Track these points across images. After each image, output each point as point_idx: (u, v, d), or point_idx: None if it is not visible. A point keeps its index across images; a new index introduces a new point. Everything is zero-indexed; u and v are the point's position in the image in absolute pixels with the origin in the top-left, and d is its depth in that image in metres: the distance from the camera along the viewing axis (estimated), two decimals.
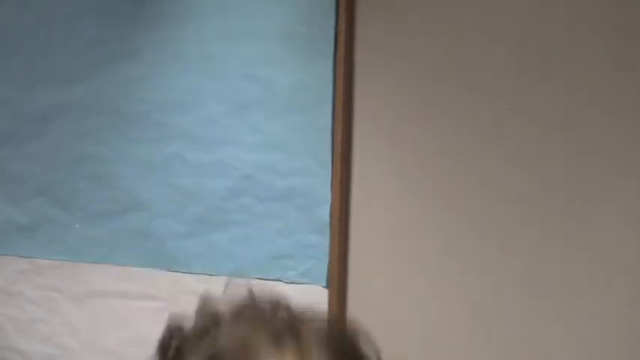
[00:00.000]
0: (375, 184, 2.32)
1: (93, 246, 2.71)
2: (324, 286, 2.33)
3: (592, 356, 2.03)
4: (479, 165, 2.18)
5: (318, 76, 2.39)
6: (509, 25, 2.17)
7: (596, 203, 2.04)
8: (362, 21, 2.37)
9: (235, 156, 2.50)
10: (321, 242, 2.35)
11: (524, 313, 2.10)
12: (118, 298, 2.64)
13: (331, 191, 2.34)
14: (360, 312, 2.30)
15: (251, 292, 0.85)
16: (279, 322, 0.84)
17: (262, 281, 2.42)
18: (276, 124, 2.45)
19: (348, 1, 2.37)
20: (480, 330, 2.15)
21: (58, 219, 2.79)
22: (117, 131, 2.71)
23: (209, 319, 0.86)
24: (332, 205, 2.34)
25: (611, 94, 2.04)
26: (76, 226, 2.75)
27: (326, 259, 2.33)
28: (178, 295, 2.54)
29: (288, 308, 0.88)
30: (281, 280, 2.39)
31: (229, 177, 2.50)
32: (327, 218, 2.34)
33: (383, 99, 2.32)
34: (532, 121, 2.12)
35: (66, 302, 2.75)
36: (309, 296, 2.34)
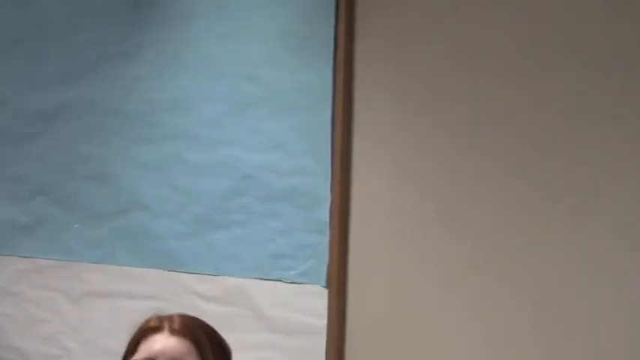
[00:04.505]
0: (375, 184, 2.32)
1: (93, 246, 2.71)
2: (323, 286, 2.33)
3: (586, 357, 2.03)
4: (478, 165, 2.18)
5: (318, 76, 2.39)
6: (510, 25, 2.17)
7: (589, 212, 2.04)
8: (362, 21, 2.37)
9: (235, 156, 2.50)
10: (321, 242, 2.35)
11: (519, 315, 2.10)
12: (118, 298, 2.64)
13: (331, 191, 2.34)
14: (360, 312, 2.31)
15: None
16: None
17: (262, 281, 2.42)
18: (276, 124, 2.45)
19: (348, 1, 2.37)
20: (479, 329, 2.15)
21: (58, 219, 2.78)
22: (117, 131, 2.71)
23: None
24: (332, 205, 2.34)
25: (609, 105, 2.04)
26: (76, 226, 2.75)
27: (326, 259, 2.33)
28: (178, 295, 2.54)
29: None
30: (281, 280, 2.39)
31: (229, 177, 2.50)
32: (327, 218, 2.34)
33: (383, 99, 2.32)
34: (532, 124, 2.12)
35: (66, 302, 2.75)
36: (309, 296, 2.34)
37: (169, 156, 2.61)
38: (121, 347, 2.80)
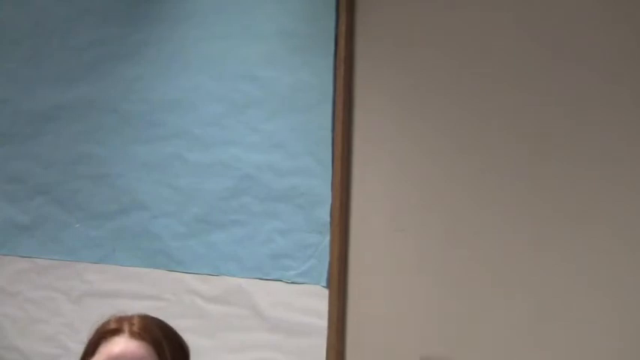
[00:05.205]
0: (374, 184, 2.32)
1: (93, 246, 2.72)
2: (324, 286, 2.33)
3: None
4: (478, 165, 2.18)
5: (318, 76, 2.39)
6: (511, 26, 2.17)
7: (589, 213, 2.04)
8: (362, 20, 2.37)
9: (235, 156, 2.50)
10: (321, 242, 2.35)
11: (519, 315, 2.10)
12: (118, 298, 2.64)
13: (331, 191, 2.34)
14: (360, 312, 2.31)
15: None
16: None
17: (262, 281, 2.42)
18: (276, 124, 2.45)
19: (348, 1, 2.37)
20: (479, 329, 2.15)
21: (58, 219, 2.79)
22: (117, 131, 2.71)
23: None
24: (332, 205, 2.34)
25: (610, 106, 2.04)
26: (76, 225, 2.75)
27: (326, 259, 2.33)
28: (178, 295, 2.54)
29: None
30: (281, 280, 2.39)
31: (229, 177, 2.50)
32: (327, 218, 2.34)
33: (383, 99, 2.32)
34: (532, 125, 2.12)
35: (66, 302, 2.75)
36: (310, 296, 2.34)
37: (169, 156, 2.61)
38: None
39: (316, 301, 2.33)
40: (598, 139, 2.04)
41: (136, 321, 1.55)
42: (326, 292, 2.32)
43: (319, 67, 2.39)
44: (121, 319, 1.56)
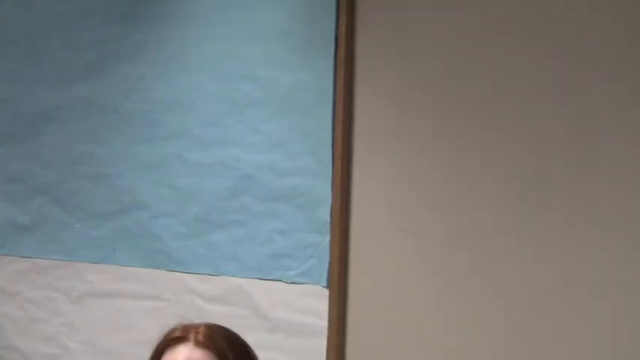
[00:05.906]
0: (375, 184, 2.32)
1: (93, 246, 2.72)
2: (324, 286, 2.33)
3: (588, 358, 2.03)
4: (478, 165, 2.18)
5: (318, 76, 2.39)
6: (510, 25, 2.17)
7: (590, 214, 2.03)
8: (362, 21, 2.37)
9: (235, 156, 2.50)
10: (321, 242, 2.35)
11: (519, 316, 2.10)
12: (118, 298, 2.65)
13: (331, 191, 2.34)
14: (360, 312, 2.31)
15: None
16: None
17: (262, 281, 2.42)
18: (276, 124, 2.45)
19: (348, 1, 2.37)
20: (479, 329, 2.15)
21: (58, 219, 2.79)
22: (117, 131, 2.71)
23: None
24: (332, 205, 2.34)
25: (611, 107, 2.03)
26: (76, 225, 2.75)
27: (326, 259, 2.33)
28: (178, 295, 2.54)
29: None
30: (281, 280, 2.39)
31: (229, 177, 2.50)
32: (327, 218, 2.34)
33: (383, 99, 2.32)
34: (532, 127, 2.12)
35: (66, 302, 2.75)
36: (310, 296, 2.34)
37: (169, 156, 2.61)
38: (121, 347, 2.80)
39: (316, 301, 2.33)
40: (598, 139, 2.04)
41: (202, 330, 1.54)
42: (326, 292, 2.32)
43: (319, 67, 2.39)
44: (187, 327, 1.55)
